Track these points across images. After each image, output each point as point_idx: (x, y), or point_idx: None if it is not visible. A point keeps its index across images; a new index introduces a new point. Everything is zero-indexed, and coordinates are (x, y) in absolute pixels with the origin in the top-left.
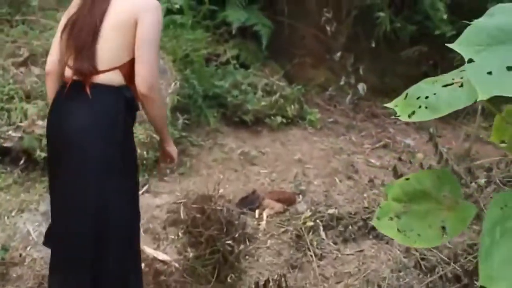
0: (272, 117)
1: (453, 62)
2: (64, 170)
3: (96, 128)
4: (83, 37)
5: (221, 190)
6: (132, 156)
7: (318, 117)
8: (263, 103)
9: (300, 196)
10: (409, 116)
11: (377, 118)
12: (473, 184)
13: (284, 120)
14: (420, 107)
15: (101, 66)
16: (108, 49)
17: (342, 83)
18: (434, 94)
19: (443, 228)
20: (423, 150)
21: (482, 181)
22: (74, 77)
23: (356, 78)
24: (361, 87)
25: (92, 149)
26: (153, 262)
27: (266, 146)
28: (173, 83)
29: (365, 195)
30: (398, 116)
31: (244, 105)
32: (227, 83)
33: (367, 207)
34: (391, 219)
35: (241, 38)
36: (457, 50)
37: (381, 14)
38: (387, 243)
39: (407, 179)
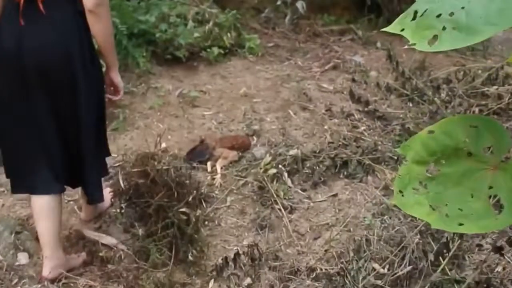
0: (208, 49)
1: None
2: (34, 92)
3: (61, 45)
4: None
5: (163, 144)
6: (98, 62)
7: (258, 43)
8: (196, 35)
9: (255, 138)
10: (430, 44)
11: (320, 37)
12: (436, 99)
13: (222, 51)
14: (444, 28)
15: None
16: None
17: (278, 2)
18: (462, 8)
19: (493, 197)
20: (375, 68)
21: (444, 95)
22: None
23: None
24: (300, 5)
25: (63, 66)
26: (96, 248)
27: (206, 83)
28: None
29: (325, 127)
30: (412, 44)
31: (175, 40)
32: (153, 17)
33: (331, 142)
34: (417, 190)
35: None
36: None
37: None
38: (360, 181)
39: (431, 132)
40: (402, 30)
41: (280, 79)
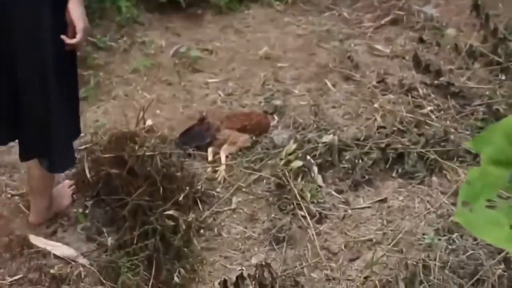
0: None
1: None
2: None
3: None
4: None
5: (149, 121)
6: None
7: None
8: None
9: (276, 117)
10: None
11: None
12: None
13: None
14: None
15: None
16: None
17: None
18: None
19: None
20: (453, 23)
21: None
22: None
23: None
24: None
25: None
26: (46, 261)
27: (213, 39)
28: None
29: (376, 105)
30: None
31: None
32: None
33: (383, 127)
34: (492, 203)
35: None
36: None
37: None
38: (421, 182)
39: None
40: None
41: (317, 36)
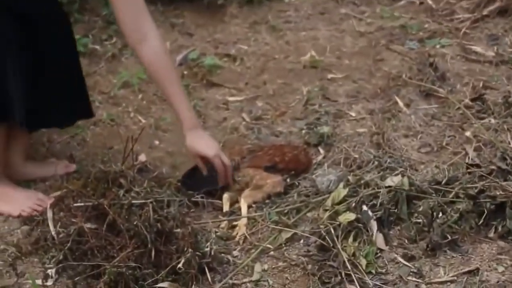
0: None
1: None
2: None
3: None
4: None
5: (141, 157)
6: None
7: None
8: None
9: (321, 150)
10: None
11: None
12: None
13: None
14: None
15: None
16: None
17: None
18: None
19: None
20: None
21: None
22: None
23: None
24: None
25: None
26: None
27: (239, 40)
28: None
29: (467, 133)
30: None
31: None
32: None
33: (475, 165)
34: None
35: None
36: None
37: None
38: None
39: None
40: None
41: (386, 34)
